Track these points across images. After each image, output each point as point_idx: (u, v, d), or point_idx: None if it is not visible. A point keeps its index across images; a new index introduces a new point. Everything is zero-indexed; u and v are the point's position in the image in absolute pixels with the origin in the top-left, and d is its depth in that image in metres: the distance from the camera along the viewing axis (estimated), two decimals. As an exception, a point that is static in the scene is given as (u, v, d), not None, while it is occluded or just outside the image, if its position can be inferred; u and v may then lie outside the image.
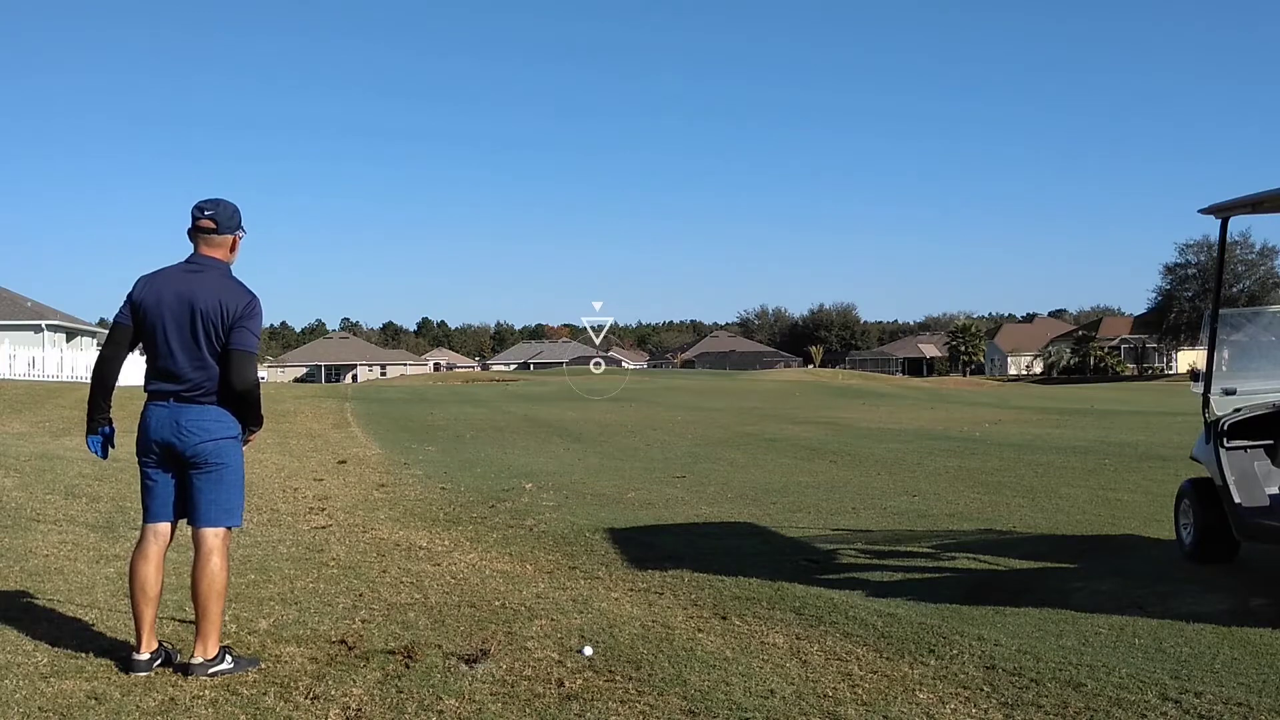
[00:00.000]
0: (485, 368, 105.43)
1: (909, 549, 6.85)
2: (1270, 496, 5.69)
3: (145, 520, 3.99)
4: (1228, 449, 5.80)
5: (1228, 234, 6.41)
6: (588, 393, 33.38)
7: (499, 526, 7.73)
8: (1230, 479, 5.68)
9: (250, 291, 3.97)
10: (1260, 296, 60.54)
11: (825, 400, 32.84)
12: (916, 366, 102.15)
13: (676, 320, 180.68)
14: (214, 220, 3.97)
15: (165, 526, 3.98)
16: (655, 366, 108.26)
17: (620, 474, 11.41)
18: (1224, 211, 6.18)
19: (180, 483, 3.95)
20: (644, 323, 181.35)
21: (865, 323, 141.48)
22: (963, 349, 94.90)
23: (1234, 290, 61.92)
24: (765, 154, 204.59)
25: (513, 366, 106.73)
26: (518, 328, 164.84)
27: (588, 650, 4.26)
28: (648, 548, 6.80)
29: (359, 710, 3.57)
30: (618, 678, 3.93)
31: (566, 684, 3.83)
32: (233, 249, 4.06)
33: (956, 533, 7.35)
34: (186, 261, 4.00)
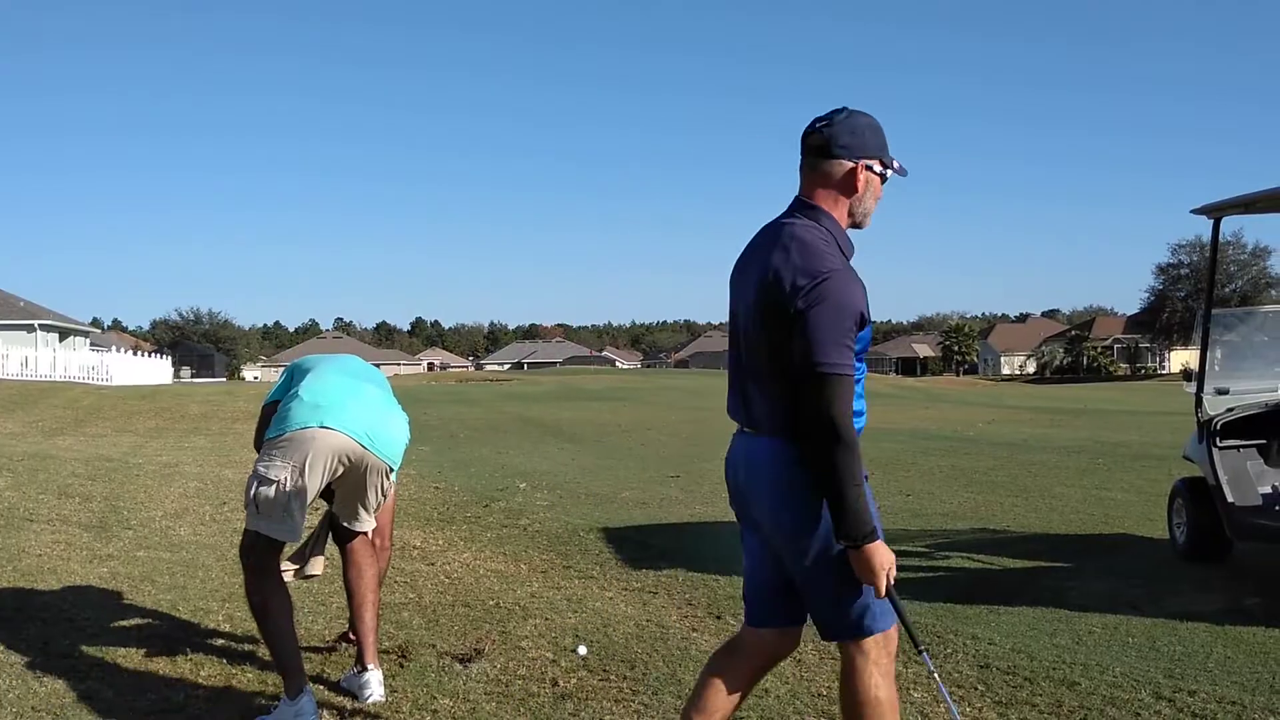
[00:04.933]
0: (479, 367, 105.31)
1: (902, 548, 6.85)
2: (1263, 495, 5.70)
3: None
4: (1220, 448, 5.82)
5: (1220, 234, 6.43)
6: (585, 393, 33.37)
7: (493, 526, 7.73)
8: (1223, 478, 5.70)
9: None
10: (1252, 296, 60.70)
11: (819, 400, 32.79)
12: (910, 366, 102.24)
13: (670, 320, 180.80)
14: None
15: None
16: (649, 366, 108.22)
17: (614, 473, 11.41)
18: (1216, 212, 6.20)
19: None
20: (638, 322, 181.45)
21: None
22: (956, 349, 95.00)
23: (1226, 290, 62.08)
24: (763, 154, 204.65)
25: (506, 366, 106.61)
26: (511, 327, 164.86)
27: (582, 650, 4.26)
28: (642, 547, 6.80)
29: (353, 709, 3.56)
30: (612, 677, 3.93)
31: (561, 683, 3.83)
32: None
33: (950, 532, 7.36)
34: None
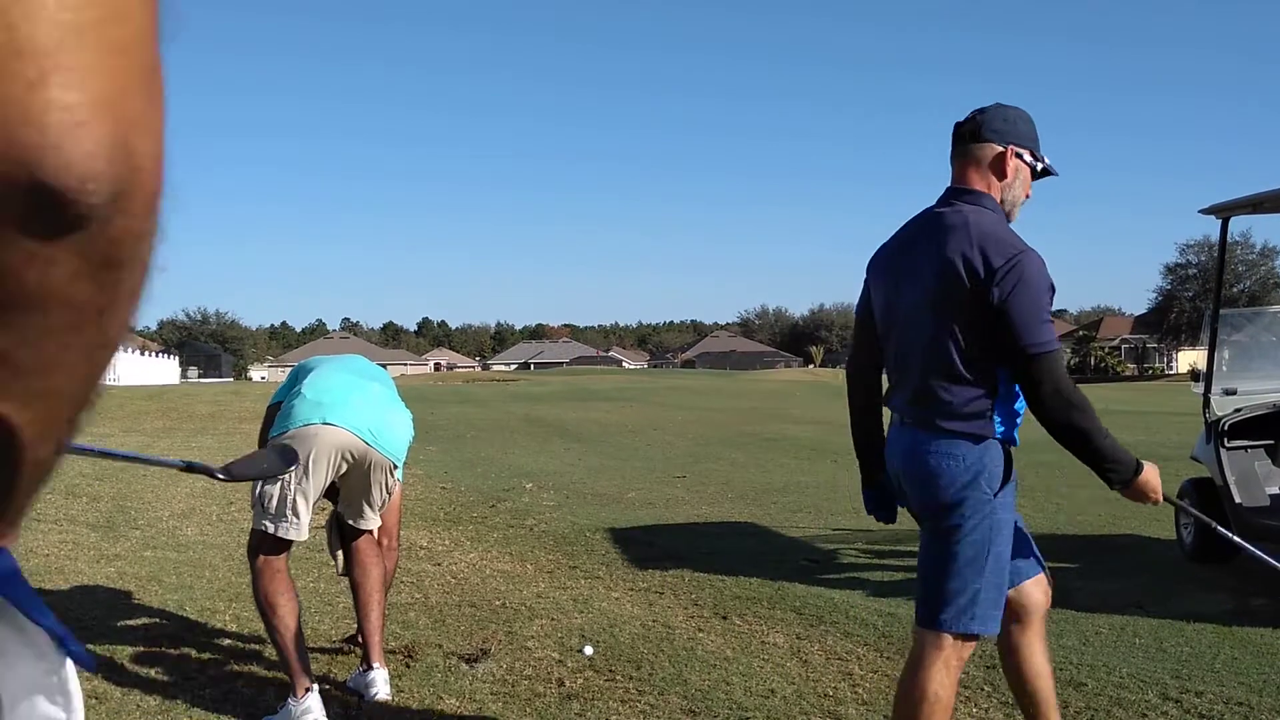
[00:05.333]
0: (486, 368, 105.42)
1: (909, 549, 6.83)
2: (1271, 496, 5.69)
3: None
4: (1228, 449, 5.80)
5: (1228, 234, 6.41)
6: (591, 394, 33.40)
7: (499, 526, 7.73)
8: (1231, 479, 5.68)
9: None
10: (1261, 297, 60.49)
11: (826, 400, 32.82)
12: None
13: (677, 320, 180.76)
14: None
15: None
16: (656, 366, 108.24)
17: (621, 474, 11.41)
18: (1224, 212, 6.18)
19: None
20: (644, 322, 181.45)
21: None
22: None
23: (1234, 290, 61.86)
24: (766, 155, 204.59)
25: (513, 366, 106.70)
26: (518, 328, 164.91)
27: (588, 650, 4.26)
28: (648, 547, 6.80)
29: (359, 709, 3.57)
30: (618, 677, 3.93)
31: (567, 683, 3.83)
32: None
33: (957, 532, 7.34)
34: None
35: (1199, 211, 6.26)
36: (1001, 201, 2.59)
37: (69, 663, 0.62)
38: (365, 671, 3.70)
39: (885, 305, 2.69)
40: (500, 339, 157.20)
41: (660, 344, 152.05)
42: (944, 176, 2.68)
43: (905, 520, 2.84)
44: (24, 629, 0.59)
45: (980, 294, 2.40)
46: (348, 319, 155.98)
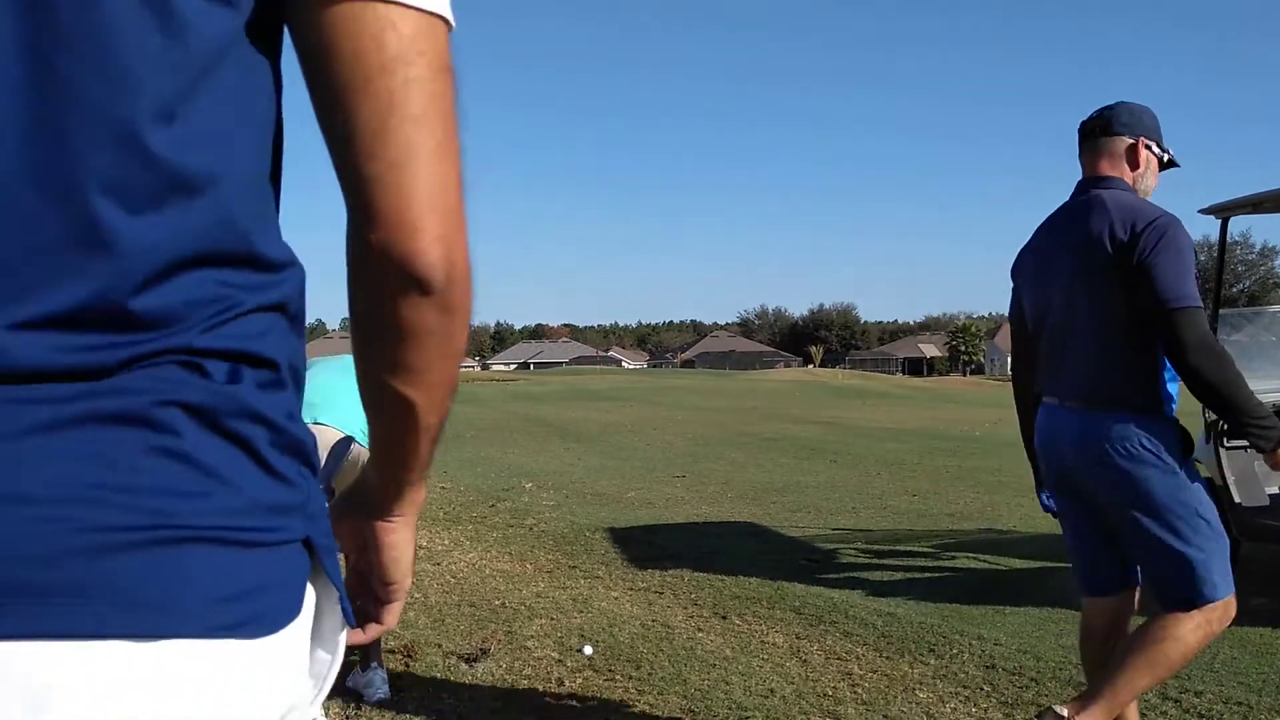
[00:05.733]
0: (485, 367, 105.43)
1: (909, 548, 6.85)
2: (1270, 496, 5.69)
3: None
4: (1228, 449, 5.80)
5: (1228, 234, 6.41)
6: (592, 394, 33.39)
7: (499, 526, 7.73)
8: (1230, 479, 5.68)
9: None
10: (1260, 296, 60.54)
11: (825, 400, 32.84)
12: (917, 366, 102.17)
13: (676, 320, 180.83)
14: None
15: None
16: (655, 366, 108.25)
17: (620, 473, 11.41)
18: (1224, 212, 6.18)
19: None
20: (644, 322, 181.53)
21: (865, 323, 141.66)
22: (963, 349, 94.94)
23: (1234, 290, 61.93)
24: (766, 155, 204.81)
25: (513, 366, 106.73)
26: (518, 327, 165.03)
27: (588, 649, 4.26)
28: (648, 547, 6.80)
29: (359, 709, 3.57)
30: (617, 677, 3.93)
31: (566, 683, 3.83)
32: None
33: (957, 532, 7.35)
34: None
35: (1198, 211, 6.25)
36: (1134, 189, 2.69)
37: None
38: (365, 671, 3.71)
39: (1035, 300, 2.79)
40: (500, 339, 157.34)
41: (660, 344, 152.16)
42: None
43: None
44: (332, 591, 0.83)
45: (1125, 259, 2.47)
46: (347, 319, 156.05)
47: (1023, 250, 2.87)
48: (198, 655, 0.68)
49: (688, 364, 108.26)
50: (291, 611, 0.75)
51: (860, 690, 3.78)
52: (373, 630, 1.01)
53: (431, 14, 0.74)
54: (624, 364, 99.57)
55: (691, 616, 4.94)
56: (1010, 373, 3.04)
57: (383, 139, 0.73)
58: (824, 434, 17.46)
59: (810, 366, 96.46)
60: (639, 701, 3.64)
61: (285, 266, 0.79)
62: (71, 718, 0.65)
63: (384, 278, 0.75)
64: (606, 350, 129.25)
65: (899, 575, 5.98)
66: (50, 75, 0.66)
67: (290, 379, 0.79)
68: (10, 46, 0.65)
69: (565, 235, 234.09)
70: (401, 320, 0.77)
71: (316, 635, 0.81)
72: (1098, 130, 2.71)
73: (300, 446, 0.78)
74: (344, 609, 0.85)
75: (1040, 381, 2.78)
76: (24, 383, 0.66)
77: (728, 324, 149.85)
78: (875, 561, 6.49)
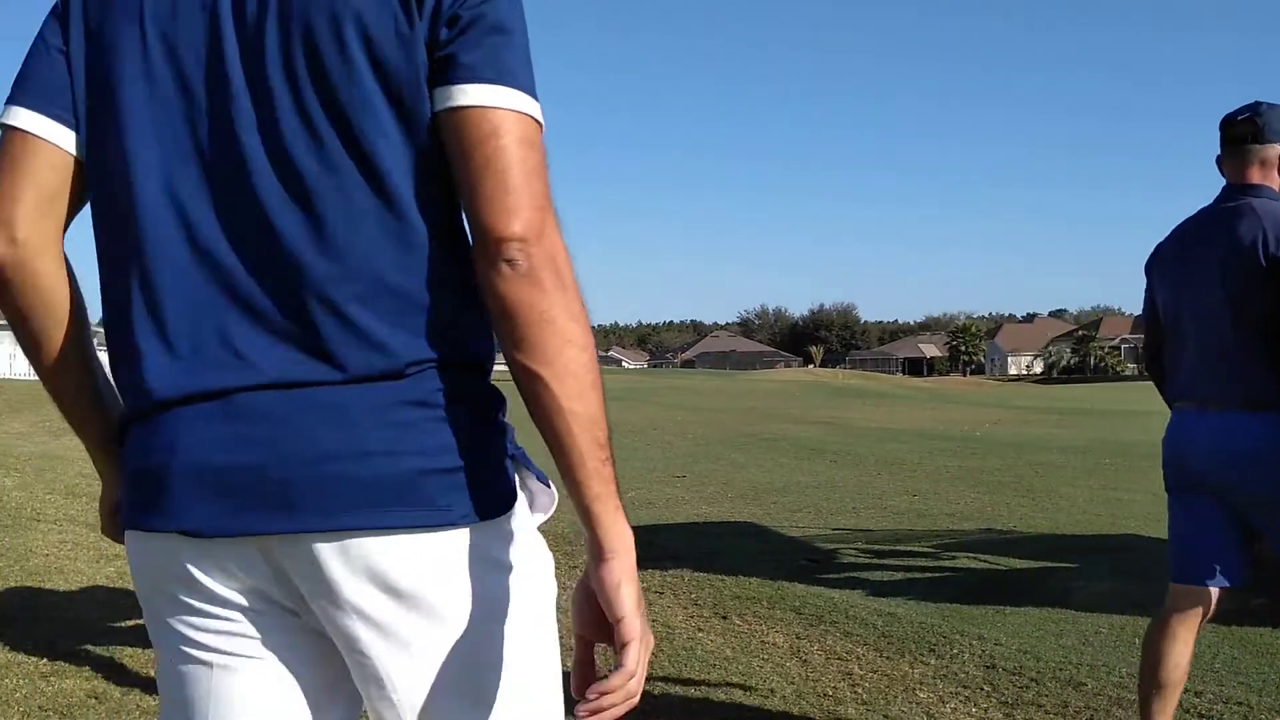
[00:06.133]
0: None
1: (909, 548, 6.85)
2: None
3: None
4: None
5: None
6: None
7: (499, 526, 7.73)
8: None
9: None
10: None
11: (825, 400, 32.85)
12: (917, 366, 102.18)
13: (676, 320, 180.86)
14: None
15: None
16: (655, 366, 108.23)
17: (620, 473, 11.29)
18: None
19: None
20: (644, 322, 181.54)
21: (865, 323, 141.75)
22: (963, 349, 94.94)
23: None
24: (767, 154, 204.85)
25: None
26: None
27: (588, 649, 4.25)
28: (647, 547, 6.77)
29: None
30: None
31: (565, 683, 3.83)
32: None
33: (957, 532, 7.35)
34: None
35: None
36: None
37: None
38: None
39: (1172, 299, 2.80)
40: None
41: (660, 344, 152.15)
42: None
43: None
44: (526, 472, 1.25)
45: (1274, 268, 2.54)
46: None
47: (1161, 247, 2.89)
48: (475, 533, 1.14)
49: (688, 364, 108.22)
50: (513, 495, 1.20)
51: (860, 690, 3.78)
52: (615, 680, 1.21)
53: (526, 115, 1.15)
54: (624, 364, 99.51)
55: (691, 616, 4.94)
56: (1145, 366, 3.09)
57: (487, 175, 1.09)
58: (824, 434, 17.45)
59: (810, 366, 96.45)
60: (639, 702, 3.64)
61: None
62: (411, 588, 1.11)
63: (484, 259, 1.07)
64: (606, 350, 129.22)
65: (899, 575, 5.98)
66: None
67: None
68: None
69: (564, 235, 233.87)
70: (499, 294, 1.06)
71: (531, 499, 1.26)
72: (1249, 136, 2.70)
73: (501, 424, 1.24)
74: (535, 473, 1.26)
75: (1175, 381, 2.81)
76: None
77: (728, 324, 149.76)
78: (875, 561, 6.49)
